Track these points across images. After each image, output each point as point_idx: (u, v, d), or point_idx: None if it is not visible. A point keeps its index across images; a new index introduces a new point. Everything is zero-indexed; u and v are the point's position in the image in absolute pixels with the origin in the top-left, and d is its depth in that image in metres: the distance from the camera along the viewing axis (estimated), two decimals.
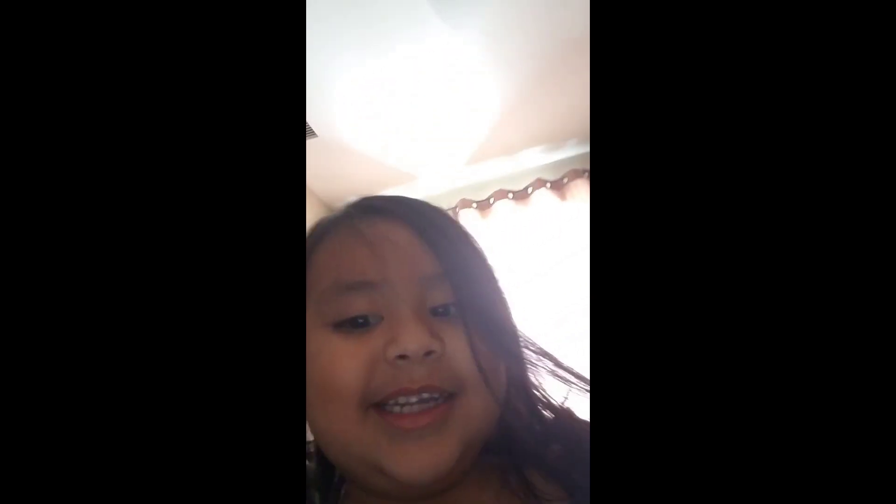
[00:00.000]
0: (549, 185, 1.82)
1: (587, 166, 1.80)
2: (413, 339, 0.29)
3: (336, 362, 0.30)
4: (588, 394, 0.31)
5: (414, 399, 0.29)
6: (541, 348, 0.34)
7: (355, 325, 0.31)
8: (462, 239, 0.35)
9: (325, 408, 0.30)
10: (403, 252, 0.32)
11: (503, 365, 0.33)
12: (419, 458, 0.28)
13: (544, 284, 1.66)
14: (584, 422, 0.35)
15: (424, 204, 0.36)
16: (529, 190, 1.84)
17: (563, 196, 1.81)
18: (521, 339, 0.34)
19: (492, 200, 1.85)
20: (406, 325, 0.29)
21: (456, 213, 1.83)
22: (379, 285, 0.31)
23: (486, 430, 0.32)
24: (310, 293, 0.32)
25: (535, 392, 0.35)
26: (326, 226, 0.36)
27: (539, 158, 1.88)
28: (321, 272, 0.32)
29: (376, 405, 0.29)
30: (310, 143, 1.52)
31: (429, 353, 0.29)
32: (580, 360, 0.32)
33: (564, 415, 0.35)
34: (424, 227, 0.33)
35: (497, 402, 0.31)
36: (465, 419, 0.30)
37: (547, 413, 0.36)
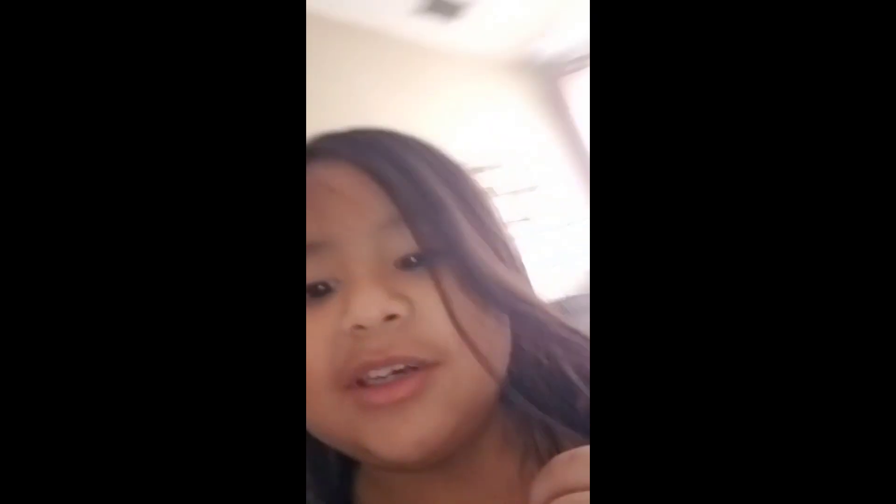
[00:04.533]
0: None
1: None
2: (366, 305, 0.24)
3: None
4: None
5: (384, 371, 0.25)
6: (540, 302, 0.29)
7: (315, 293, 0.26)
8: (434, 168, 0.28)
9: None
10: (348, 200, 0.27)
11: (500, 319, 0.28)
12: (401, 435, 0.25)
13: None
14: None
15: (379, 133, 0.30)
16: None
17: None
18: (520, 289, 0.29)
19: None
20: (359, 289, 0.25)
21: None
22: (325, 245, 0.26)
23: (484, 394, 0.28)
24: None
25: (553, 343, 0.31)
26: None
27: None
28: None
29: (350, 384, 0.25)
30: None
31: (391, 318, 0.25)
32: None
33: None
34: (376, 163, 0.27)
35: (488, 363, 0.26)
36: (452, 386, 0.26)
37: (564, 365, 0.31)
